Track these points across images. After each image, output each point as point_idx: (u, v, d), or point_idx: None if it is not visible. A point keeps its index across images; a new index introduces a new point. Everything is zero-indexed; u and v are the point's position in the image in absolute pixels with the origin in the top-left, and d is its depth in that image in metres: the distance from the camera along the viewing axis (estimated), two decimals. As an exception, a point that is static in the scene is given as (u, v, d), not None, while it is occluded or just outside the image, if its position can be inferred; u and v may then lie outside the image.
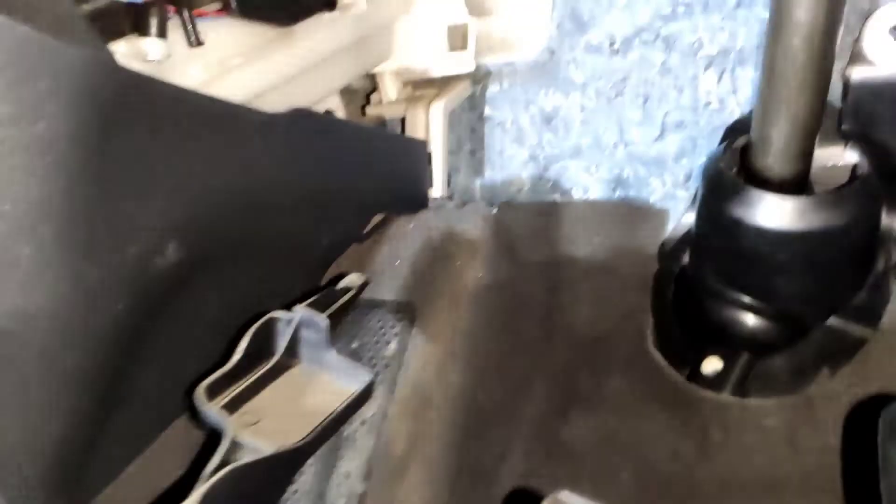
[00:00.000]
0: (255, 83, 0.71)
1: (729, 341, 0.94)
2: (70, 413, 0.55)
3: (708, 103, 0.98)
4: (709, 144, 1.00)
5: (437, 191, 1.03)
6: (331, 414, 0.70)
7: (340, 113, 0.90)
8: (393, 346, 0.88)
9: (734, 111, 0.97)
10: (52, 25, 0.49)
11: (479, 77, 1.12)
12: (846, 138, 0.90)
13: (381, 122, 1.07)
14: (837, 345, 0.90)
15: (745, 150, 0.90)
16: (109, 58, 0.53)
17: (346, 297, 0.81)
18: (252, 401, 0.66)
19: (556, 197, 1.10)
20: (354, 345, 0.89)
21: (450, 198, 1.14)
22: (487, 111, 1.12)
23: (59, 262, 0.52)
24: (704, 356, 0.95)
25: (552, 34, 1.06)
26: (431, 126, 1.03)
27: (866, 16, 0.84)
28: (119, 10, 0.59)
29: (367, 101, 1.10)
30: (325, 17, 0.76)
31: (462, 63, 0.95)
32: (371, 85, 1.09)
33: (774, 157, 0.84)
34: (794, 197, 0.83)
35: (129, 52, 0.60)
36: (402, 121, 1.06)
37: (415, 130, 1.04)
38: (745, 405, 0.91)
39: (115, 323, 0.57)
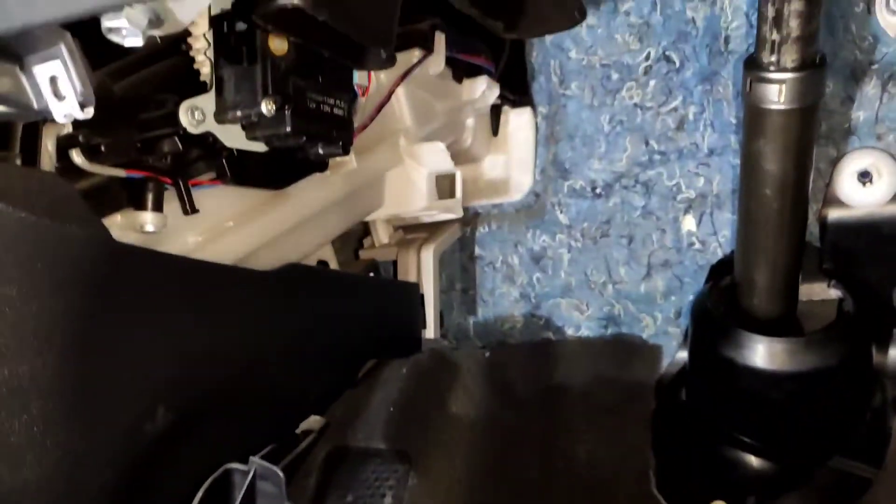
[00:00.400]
0: (247, 243, 0.73)
1: (734, 483, 0.92)
2: None
3: (691, 244, 1.00)
4: (695, 282, 1.02)
5: (430, 332, 1.04)
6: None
7: (333, 262, 0.92)
8: (388, 499, 0.86)
9: (717, 251, 1.00)
10: (49, 208, 0.51)
11: (469, 219, 1.16)
12: (829, 276, 0.91)
13: (374, 265, 1.09)
14: (842, 486, 0.88)
15: (731, 290, 0.91)
16: (105, 234, 0.55)
17: (303, 445, 0.80)
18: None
19: (549, 335, 1.10)
20: (349, 498, 0.86)
21: (443, 336, 1.15)
22: (478, 251, 1.15)
23: (49, 437, 0.52)
24: (710, 500, 0.93)
25: (537, 179, 1.10)
26: (423, 269, 1.05)
27: (834, 162, 0.88)
28: (116, 185, 0.62)
29: (360, 245, 1.13)
30: (316, 177, 0.79)
31: (450, 209, 0.98)
32: (364, 229, 1.12)
33: (759, 298, 0.85)
34: (781, 339, 0.84)
35: (126, 224, 0.62)
36: (394, 263, 1.09)
37: (406, 273, 1.06)
38: (753, 554, 0.88)
39: (103, 492, 0.56)
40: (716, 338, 0.90)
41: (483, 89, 1.04)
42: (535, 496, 0.93)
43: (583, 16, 0.89)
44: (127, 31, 0.42)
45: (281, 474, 0.71)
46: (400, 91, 0.94)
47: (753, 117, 0.74)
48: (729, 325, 0.88)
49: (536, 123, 1.12)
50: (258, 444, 0.77)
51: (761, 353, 0.85)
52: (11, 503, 0.51)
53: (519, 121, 1.13)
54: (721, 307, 0.92)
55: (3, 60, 0.45)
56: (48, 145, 0.56)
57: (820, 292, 0.95)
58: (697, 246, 1.00)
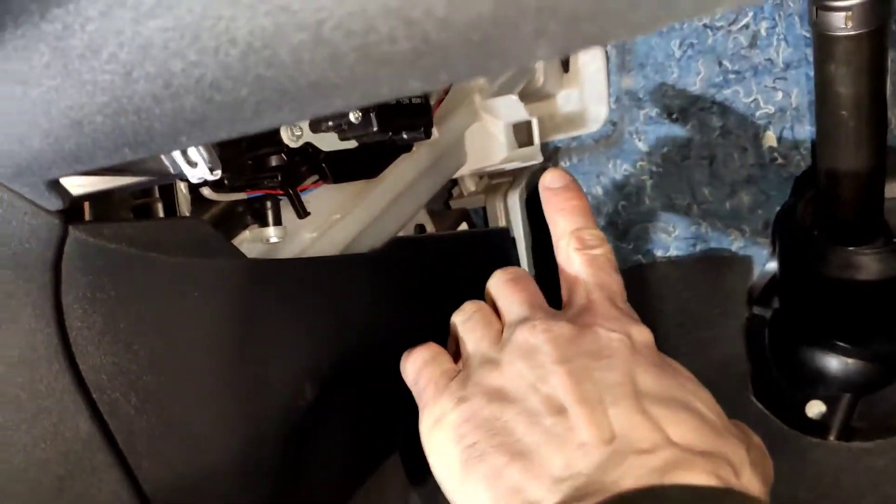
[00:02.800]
0: (353, 229, 0.81)
1: (830, 385, 0.97)
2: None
3: (773, 159, 1.01)
4: (781, 195, 1.03)
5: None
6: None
7: (428, 223, 1.00)
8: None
9: (800, 163, 1.00)
10: (196, 248, 0.61)
11: (549, 154, 1.20)
12: (919, 177, 0.91)
13: (465, 213, 1.16)
14: (938, 378, 0.92)
15: (815, 202, 0.93)
16: (241, 257, 0.65)
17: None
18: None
19: (640, 258, 1.15)
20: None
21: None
22: (562, 185, 1.19)
23: (226, 425, 0.64)
24: (806, 401, 0.99)
25: (612, 108, 1.13)
26: (511, 213, 1.11)
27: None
28: (240, 207, 0.71)
29: (451, 196, 1.20)
30: (404, 157, 0.86)
31: (530, 157, 1.03)
32: (452, 181, 1.18)
33: (843, 212, 0.87)
34: (868, 249, 0.86)
35: (254, 238, 0.72)
36: (484, 209, 1.15)
37: (495, 218, 1.12)
38: (852, 448, 0.93)
39: (276, 462, 0.69)
40: (803, 251, 0.93)
41: (549, 32, 1.05)
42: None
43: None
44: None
45: None
46: (469, 52, 0.97)
47: (822, 43, 0.75)
48: (815, 237, 0.91)
49: (606, 53, 1.13)
50: (392, 401, 0.88)
51: (848, 263, 0.88)
52: (208, 483, 0.64)
53: (589, 53, 1.14)
54: (807, 220, 0.94)
55: (142, 138, 0.54)
56: (182, 188, 0.65)
57: (912, 191, 0.94)
58: (780, 160, 1.01)
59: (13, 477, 0.58)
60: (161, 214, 0.65)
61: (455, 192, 1.20)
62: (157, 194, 0.65)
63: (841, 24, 0.71)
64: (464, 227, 1.14)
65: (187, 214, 0.66)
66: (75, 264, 0.55)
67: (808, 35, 0.93)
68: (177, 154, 0.54)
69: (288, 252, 0.74)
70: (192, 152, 0.53)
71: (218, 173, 0.55)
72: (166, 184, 0.63)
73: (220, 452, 0.64)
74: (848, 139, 0.80)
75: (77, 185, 0.53)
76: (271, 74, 0.36)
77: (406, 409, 0.64)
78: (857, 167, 0.82)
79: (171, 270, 0.58)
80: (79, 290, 0.55)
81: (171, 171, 0.55)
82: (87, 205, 0.57)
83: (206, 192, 0.67)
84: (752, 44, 0.97)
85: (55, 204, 0.50)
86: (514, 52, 0.31)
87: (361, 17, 0.32)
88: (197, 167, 0.54)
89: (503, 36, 0.31)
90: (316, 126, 0.72)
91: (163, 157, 0.55)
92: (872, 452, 0.91)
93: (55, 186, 0.49)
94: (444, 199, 1.20)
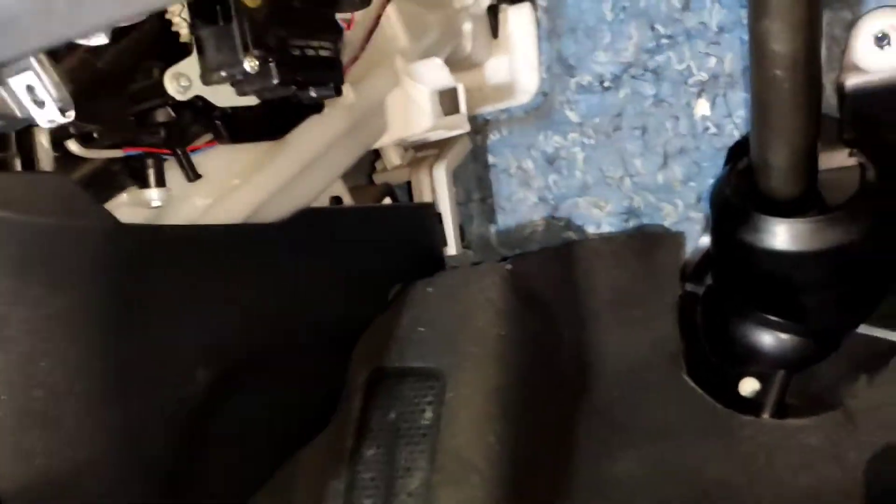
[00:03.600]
0: (256, 197, 0.73)
1: (762, 361, 0.94)
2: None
3: (706, 128, 0.98)
4: (713, 166, 1.00)
5: (451, 248, 1.05)
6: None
7: (346, 196, 0.92)
8: (428, 413, 0.90)
9: (733, 132, 0.97)
10: (56, 209, 0.52)
11: (478, 127, 1.14)
12: (849, 145, 0.89)
13: (388, 188, 1.09)
14: (871, 352, 0.90)
15: (748, 173, 0.90)
16: (112, 221, 0.57)
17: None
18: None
19: (571, 235, 1.11)
20: (392, 416, 0.91)
21: (466, 248, 1.16)
22: (491, 159, 1.14)
23: (99, 416, 0.56)
24: (740, 379, 0.96)
25: (543, 78, 1.07)
26: (437, 186, 1.05)
27: (850, 26, 0.83)
28: (116, 166, 0.62)
29: (374, 169, 1.13)
30: (314, 118, 0.79)
31: (457, 125, 0.96)
32: (375, 153, 1.11)
33: (777, 181, 0.84)
34: (801, 220, 0.83)
35: (134, 202, 0.63)
36: (409, 183, 1.09)
37: (421, 192, 1.06)
38: (785, 426, 0.91)
39: (161, 458, 0.61)
40: (736, 223, 0.89)
41: (475, -8, 1.00)
42: (568, 393, 0.97)
43: None
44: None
45: None
46: (389, 10, 0.90)
47: (756, -3, 0.71)
48: (748, 209, 0.87)
49: (537, 18, 1.08)
50: (304, 385, 0.81)
51: (781, 235, 0.85)
52: (75, 479, 0.55)
53: (518, 18, 1.08)
54: (739, 191, 0.91)
55: (-22, 75, 0.45)
56: (42, 141, 0.57)
57: (841, 161, 0.92)
58: (713, 130, 0.98)
59: None
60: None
61: (378, 165, 1.13)
62: (13, 149, 0.56)
63: (775, -26, 0.67)
64: (387, 203, 1.08)
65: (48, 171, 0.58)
66: None
67: (742, -3, 0.90)
68: (20, 91, 0.45)
69: (174, 220, 0.65)
70: (39, 89, 0.45)
71: (71, 115, 0.46)
72: (20, 130, 0.54)
73: (90, 445, 0.56)
74: (782, 100, 0.76)
75: None
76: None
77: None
78: (791, 130, 0.79)
79: (27, 233, 0.50)
80: None
81: (17, 112, 0.47)
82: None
83: (73, 147, 0.58)
84: (686, 6, 0.93)
85: None
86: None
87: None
88: (45, 107, 0.46)
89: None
90: (207, 77, 0.64)
91: (6, 95, 0.46)
92: (806, 430, 0.88)
93: None
94: (366, 174, 1.13)
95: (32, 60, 0.43)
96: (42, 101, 0.45)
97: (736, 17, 0.92)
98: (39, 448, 0.53)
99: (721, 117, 0.97)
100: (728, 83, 0.94)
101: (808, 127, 0.79)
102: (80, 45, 0.63)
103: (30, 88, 0.45)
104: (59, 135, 0.58)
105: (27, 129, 0.56)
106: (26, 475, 0.53)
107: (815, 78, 0.76)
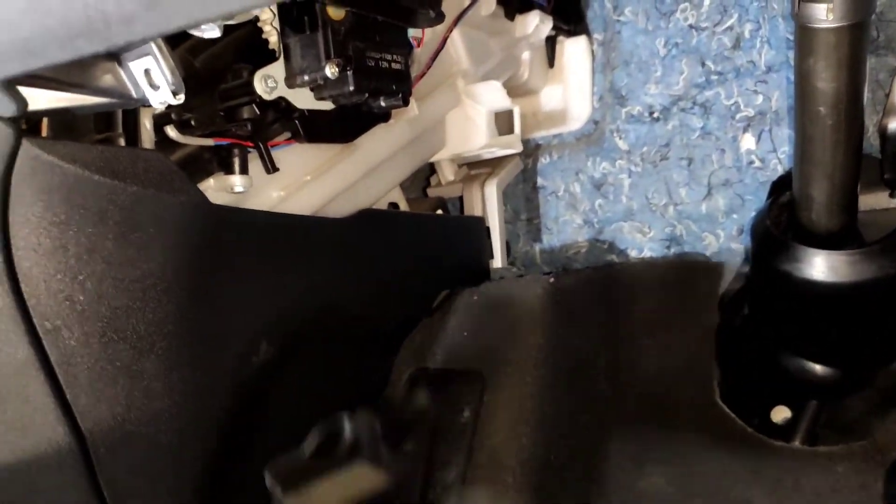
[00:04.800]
0: (324, 194, 0.80)
1: (796, 390, 0.96)
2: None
3: (751, 162, 1.02)
4: (756, 200, 1.03)
5: (497, 261, 1.10)
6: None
7: (403, 203, 0.98)
8: (466, 413, 0.95)
9: (777, 167, 1.01)
10: (155, 181, 0.59)
11: (530, 151, 1.20)
12: (890, 186, 0.91)
13: (441, 202, 1.15)
14: (904, 388, 0.91)
15: (790, 206, 0.93)
16: (203, 199, 0.63)
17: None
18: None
19: (613, 258, 1.15)
20: (431, 413, 0.96)
21: (511, 264, 1.21)
22: (540, 181, 1.19)
23: (175, 371, 0.62)
24: (772, 406, 0.97)
25: (595, 107, 1.13)
26: (487, 203, 1.10)
27: (894, 71, 0.87)
28: (207, 153, 0.70)
29: (428, 184, 1.19)
30: (381, 127, 0.85)
31: (510, 145, 1.02)
32: (430, 168, 1.18)
33: (817, 214, 0.87)
34: (839, 252, 0.85)
35: (219, 187, 0.70)
36: (461, 198, 1.14)
37: (472, 207, 1.11)
38: (815, 453, 0.92)
39: (223, 417, 0.67)
40: (775, 253, 0.92)
41: (535, 24, 1.06)
42: (602, 407, 1.00)
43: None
44: (206, 26, 0.49)
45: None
46: (455, 34, 0.97)
47: (803, 36, 0.75)
48: (787, 240, 0.90)
49: (593, 51, 1.14)
50: (349, 371, 0.86)
51: (819, 266, 0.87)
52: (154, 429, 0.61)
53: (574, 50, 1.15)
54: (780, 223, 0.94)
55: (104, 59, 0.53)
56: (146, 124, 0.64)
57: (882, 202, 0.95)
58: (757, 164, 1.02)
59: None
60: (123, 149, 0.64)
61: (433, 180, 1.19)
62: (119, 129, 0.63)
63: (822, 16, 0.71)
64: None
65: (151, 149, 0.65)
66: (26, 180, 0.53)
67: (791, 38, 0.94)
68: (139, 73, 0.52)
69: (252, 206, 0.72)
70: (155, 73, 0.52)
71: (181, 97, 0.53)
72: (129, 110, 0.61)
73: (164, 399, 0.62)
74: (825, 136, 0.80)
75: (35, 98, 0.52)
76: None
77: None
78: (832, 165, 0.82)
79: (127, 199, 0.57)
80: (28, 208, 0.53)
81: (133, 93, 0.54)
82: (45, 123, 0.56)
83: (171, 132, 0.66)
84: (736, 45, 0.98)
85: (8, 108, 0.48)
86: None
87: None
88: (159, 90, 0.53)
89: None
90: (291, 80, 0.71)
91: (124, 76, 0.53)
92: (835, 457, 0.90)
93: (9, 88, 0.47)
94: (421, 187, 1.20)
95: (152, 46, 0.50)
96: (157, 84, 0.52)
97: (783, 58, 0.96)
98: (122, 397, 0.59)
99: (766, 152, 1.01)
100: (774, 119, 0.98)
101: (850, 162, 0.82)
102: (181, 45, 0.71)
103: (147, 72, 0.52)
104: (160, 121, 0.65)
105: (133, 111, 0.63)
106: (108, 419, 0.59)
107: (858, 116, 0.79)
